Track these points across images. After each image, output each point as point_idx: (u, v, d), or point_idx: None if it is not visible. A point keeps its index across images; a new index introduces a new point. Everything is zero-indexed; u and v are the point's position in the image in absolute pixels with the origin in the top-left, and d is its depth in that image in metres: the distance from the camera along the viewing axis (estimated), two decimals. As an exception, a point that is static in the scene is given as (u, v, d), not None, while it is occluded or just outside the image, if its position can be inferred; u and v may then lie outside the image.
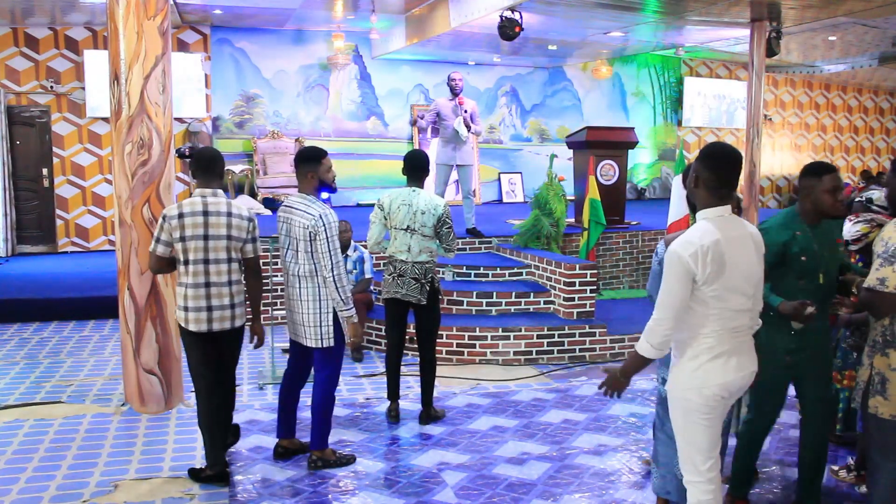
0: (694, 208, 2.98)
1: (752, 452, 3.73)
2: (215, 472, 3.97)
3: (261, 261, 4.19)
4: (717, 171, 2.72)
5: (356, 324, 4.13)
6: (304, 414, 4.63)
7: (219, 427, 4.02)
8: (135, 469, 4.16)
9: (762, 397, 3.60)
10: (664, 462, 3.30)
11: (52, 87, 10.33)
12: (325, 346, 4.04)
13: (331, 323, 4.03)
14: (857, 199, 4.34)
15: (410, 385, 5.59)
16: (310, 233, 3.92)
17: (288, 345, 4.42)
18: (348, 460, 4.24)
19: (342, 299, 3.98)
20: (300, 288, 4.02)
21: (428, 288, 4.82)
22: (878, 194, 4.16)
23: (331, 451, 4.22)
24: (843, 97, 16.11)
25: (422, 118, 7.90)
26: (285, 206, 4.09)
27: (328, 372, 4.15)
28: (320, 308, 4.01)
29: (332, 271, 3.94)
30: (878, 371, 2.91)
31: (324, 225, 3.92)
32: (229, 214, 3.92)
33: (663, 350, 2.75)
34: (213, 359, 3.99)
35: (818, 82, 15.71)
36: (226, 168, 10.80)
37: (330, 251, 3.93)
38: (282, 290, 4.21)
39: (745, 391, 2.90)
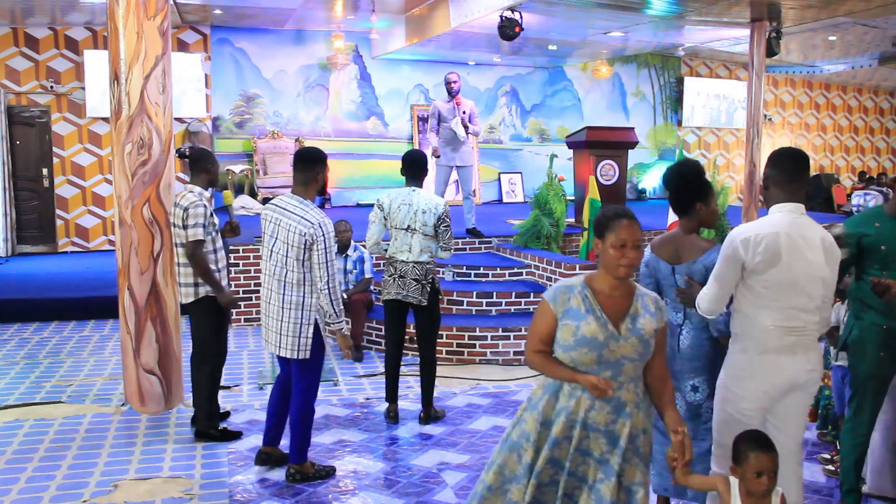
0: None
1: (853, 454, 3.52)
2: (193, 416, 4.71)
3: (194, 246, 4.33)
4: (780, 166, 2.86)
5: (346, 336, 4.02)
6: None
7: (194, 378, 4.62)
8: (135, 469, 4.16)
9: (861, 396, 3.48)
10: (660, 459, 3.30)
11: (52, 87, 10.33)
12: (300, 357, 3.86)
13: (310, 335, 3.85)
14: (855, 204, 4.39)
15: (410, 385, 5.59)
16: (306, 241, 3.75)
17: None
18: (327, 472, 4.07)
19: (335, 311, 3.85)
20: (283, 294, 3.82)
21: (429, 289, 4.82)
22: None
23: (309, 465, 4.06)
24: (843, 97, 16.11)
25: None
26: (275, 205, 3.88)
27: (306, 383, 3.96)
28: (301, 318, 3.82)
29: (328, 283, 3.80)
30: None
31: (323, 234, 3.77)
32: (176, 205, 4.42)
33: (710, 315, 2.96)
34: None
35: (818, 82, 15.71)
36: (226, 168, 10.71)
37: (327, 262, 3.79)
38: None
39: (804, 389, 2.89)
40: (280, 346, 3.87)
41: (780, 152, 2.93)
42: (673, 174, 3.37)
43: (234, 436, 4.59)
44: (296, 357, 3.87)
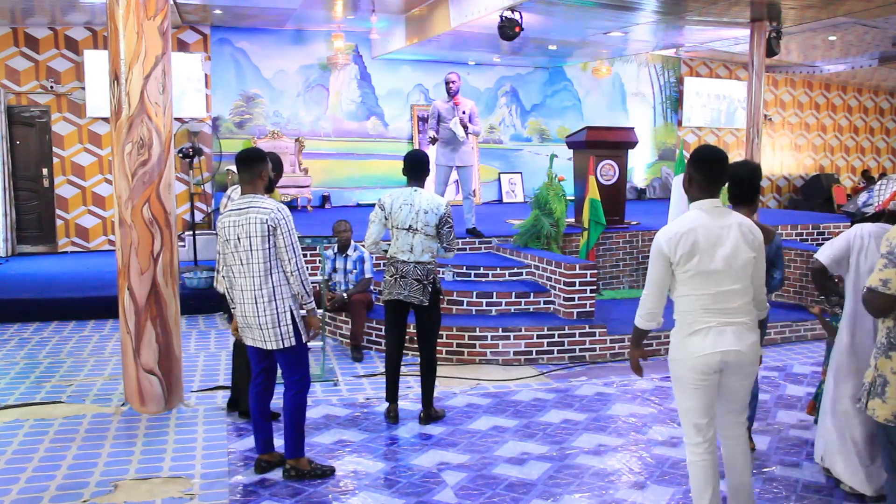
0: None
1: None
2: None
3: None
4: (706, 173, 3.17)
5: (317, 317, 4.10)
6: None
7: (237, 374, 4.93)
8: (135, 469, 4.16)
9: None
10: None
11: (52, 87, 10.34)
12: (285, 345, 3.93)
13: (289, 322, 3.93)
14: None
15: (410, 385, 5.59)
16: (268, 227, 3.83)
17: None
18: (325, 472, 4.09)
19: (306, 292, 3.95)
20: (254, 290, 3.89)
21: (430, 289, 4.81)
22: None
23: (306, 461, 4.09)
24: (843, 97, 16.11)
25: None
26: (230, 210, 3.93)
27: (298, 376, 4.04)
28: (277, 308, 3.90)
29: (297, 265, 3.90)
30: (880, 373, 2.90)
31: (283, 217, 3.87)
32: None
33: (651, 321, 3.22)
34: None
35: (818, 82, 15.71)
36: (226, 168, 10.69)
37: (292, 244, 3.89)
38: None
39: (738, 368, 3.16)
40: (265, 340, 3.94)
41: (701, 157, 3.19)
42: (750, 171, 3.90)
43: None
44: (281, 346, 3.94)
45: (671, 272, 3.15)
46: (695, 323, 3.11)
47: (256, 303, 3.90)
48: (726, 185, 3.63)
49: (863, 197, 4.29)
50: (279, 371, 4.18)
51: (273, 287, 3.90)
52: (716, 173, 3.18)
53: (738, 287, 3.11)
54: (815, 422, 4.57)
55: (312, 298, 4.02)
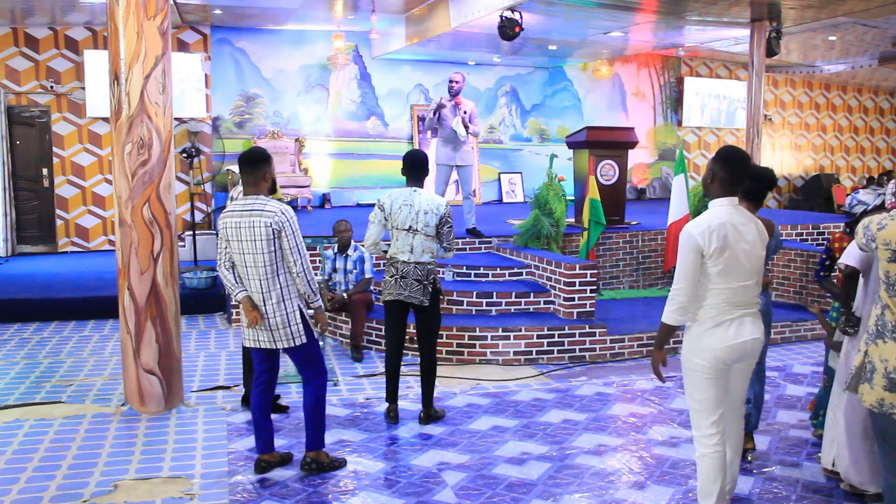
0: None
1: None
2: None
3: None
4: (730, 171, 3.25)
5: (324, 314, 4.13)
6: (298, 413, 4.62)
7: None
8: (135, 469, 4.16)
9: None
10: None
11: (52, 87, 10.34)
12: (297, 343, 3.97)
13: (299, 320, 3.97)
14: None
15: (410, 385, 5.59)
16: (273, 229, 3.84)
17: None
18: (340, 464, 4.18)
19: (312, 290, 3.97)
20: (262, 292, 3.91)
21: (430, 289, 4.81)
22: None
23: (325, 454, 4.15)
24: (843, 97, 16.11)
25: (422, 119, 7.81)
26: (231, 210, 3.92)
27: (314, 372, 4.08)
28: (286, 308, 3.93)
29: (303, 266, 3.91)
30: (870, 360, 2.96)
31: (287, 219, 3.88)
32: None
33: (683, 315, 3.22)
34: None
35: (818, 82, 15.71)
36: (226, 168, 10.70)
37: (297, 245, 3.90)
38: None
39: (752, 356, 3.31)
40: (275, 340, 3.97)
41: (730, 156, 3.27)
42: (771, 174, 4.03)
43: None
44: (294, 344, 3.97)
45: (701, 266, 3.20)
46: (719, 316, 3.21)
47: (265, 304, 3.92)
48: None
49: (847, 200, 4.32)
50: (279, 371, 4.20)
51: (281, 288, 3.93)
52: (741, 172, 3.27)
53: (752, 282, 3.26)
54: (811, 418, 4.59)
55: (319, 297, 4.05)
